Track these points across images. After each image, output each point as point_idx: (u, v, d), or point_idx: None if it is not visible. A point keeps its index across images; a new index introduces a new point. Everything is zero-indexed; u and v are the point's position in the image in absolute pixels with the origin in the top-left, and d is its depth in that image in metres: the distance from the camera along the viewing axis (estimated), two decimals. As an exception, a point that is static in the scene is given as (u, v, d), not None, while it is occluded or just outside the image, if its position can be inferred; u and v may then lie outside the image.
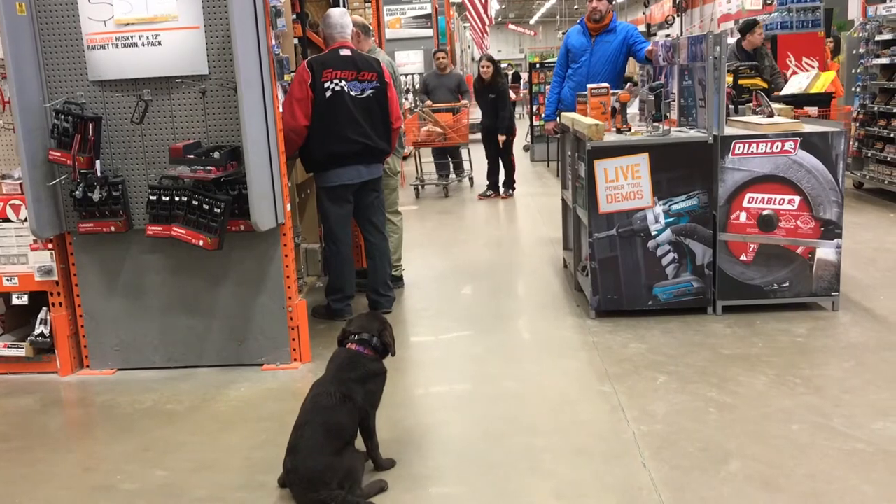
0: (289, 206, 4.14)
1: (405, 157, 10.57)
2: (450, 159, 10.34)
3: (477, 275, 6.03)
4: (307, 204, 5.75)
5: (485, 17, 19.74)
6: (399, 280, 5.67)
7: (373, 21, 14.72)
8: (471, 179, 10.44)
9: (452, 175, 10.40)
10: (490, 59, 9.30)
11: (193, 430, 3.56)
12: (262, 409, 3.71)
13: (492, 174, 9.62)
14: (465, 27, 33.62)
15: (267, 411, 3.69)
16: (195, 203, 3.89)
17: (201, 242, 3.88)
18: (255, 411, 3.70)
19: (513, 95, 12.85)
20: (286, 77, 4.03)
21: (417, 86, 13.71)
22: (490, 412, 3.59)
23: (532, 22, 52.22)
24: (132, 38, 3.94)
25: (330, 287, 4.98)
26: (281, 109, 4.05)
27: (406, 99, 13.55)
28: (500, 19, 51.86)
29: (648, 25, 32.83)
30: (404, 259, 5.90)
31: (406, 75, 16.16)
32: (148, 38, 3.93)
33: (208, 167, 3.81)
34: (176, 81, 3.93)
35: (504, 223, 8.19)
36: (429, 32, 16.97)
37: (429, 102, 10.37)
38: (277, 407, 3.72)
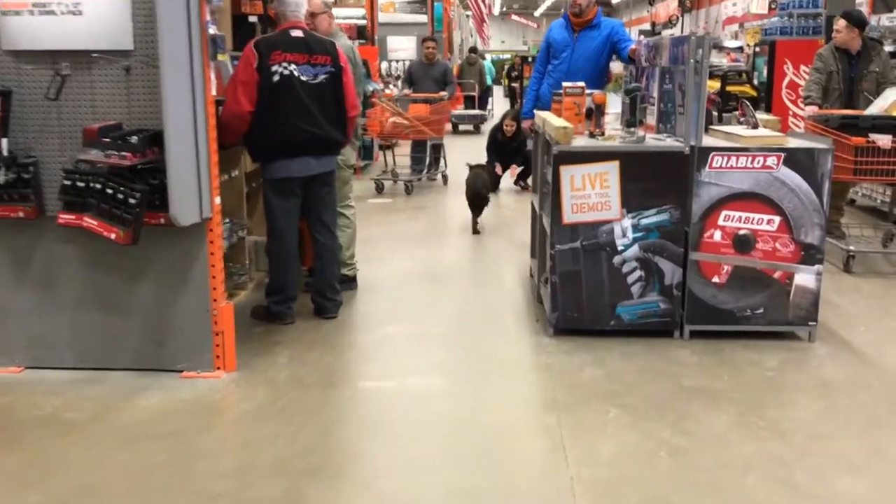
0: (217, 200, 3.77)
1: (387, 147, 10.17)
2: (427, 154, 9.88)
3: (438, 279, 5.67)
4: (258, 195, 5.37)
5: (482, 5, 19.30)
6: (352, 281, 5.29)
7: (366, 3, 14.21)
8: (444, 177, 9.96)
9: (425, 172, 9.93)
10: (514, 117, 9.01)
11: (87, 444, 3.20)
12: (168, 425, 3.35)
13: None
14: (467, 15, 33.13)
15: (172, 427, 3.32)
16: (109, 192, 3.52)
17: (113, 236, 3.51)
18: (159, 426, 3.33)
19: None
20: (219, 57, 3.66)
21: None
22: (420, 442, 3.24)
23: (537, 14, 51.67)
24: (50, 5, 3.55)
25: (270, 287, 4.61)
26: (213, 92, 3.68)
27: (394, 86, 13.13)
28: (504, 10, 51.35)
29: (653, 24, 32.40)
30: (364, 257, 5.53)
31: (397, 62, 15.78)
32: (67, 6, 3.54)
33: (124, 153, 3.44)
34: (93, 56, 3.55)
35: (482, 224, 7.80)
36: (423, 18, 16.55)
37: (406, 92, 9.97)
38: (185, 423, 3.35)
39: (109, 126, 3.57)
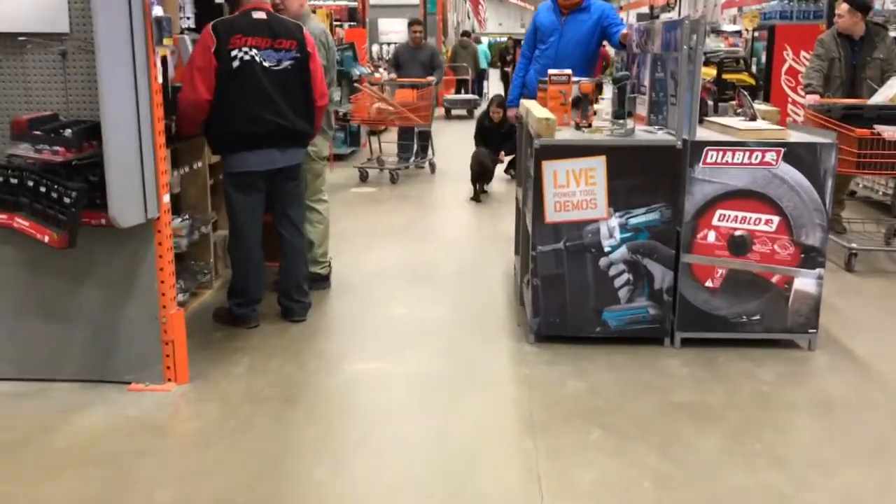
0: (166, 198, 3.45)
1: (375, 133, 9.80)
2: (415, 141, 9.53)
3: (418, 276, 5.35)
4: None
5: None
6: (325, 280, 4.98)
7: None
8: (432, 165, 9.60)
9: (412, 160, 9.58)
10: (500, 103, 8.61)
11: (14, 473, 2.90)
12: (106, 448, 3.04)
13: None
14: (464, -1, 32.51)
15: (110, 451, 3.02)
16: (43, 190, 3.20)
17: (47, 238, 3.20)
18: (96, 449, 3.03)
19: None
20: (165, 41, 3.34)
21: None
22: (379, 471, 2.93)
23: (535, -3, 51.02)
24: (-24, -18, 3.22)
25: (232, 288, 4.30)
26: (159, 79, 3.35)
27: (384, 70, 12.75)
28: (501, -8, 50.68)
29: (651, 8, 31.89)
30: (340, 252, 5.22)
31: (388, 44, 15.36)
32: (-4, -17, 3.22)
33: (56, 147, 3.12)
34: (20, 39, 3.22)
35: (468, 216, 7.48)
36: (416, 0, 16.12)
37: (392, 76, 9.62)
38: (124, 446, 3.05)
39: (42, 117, 3.24)
